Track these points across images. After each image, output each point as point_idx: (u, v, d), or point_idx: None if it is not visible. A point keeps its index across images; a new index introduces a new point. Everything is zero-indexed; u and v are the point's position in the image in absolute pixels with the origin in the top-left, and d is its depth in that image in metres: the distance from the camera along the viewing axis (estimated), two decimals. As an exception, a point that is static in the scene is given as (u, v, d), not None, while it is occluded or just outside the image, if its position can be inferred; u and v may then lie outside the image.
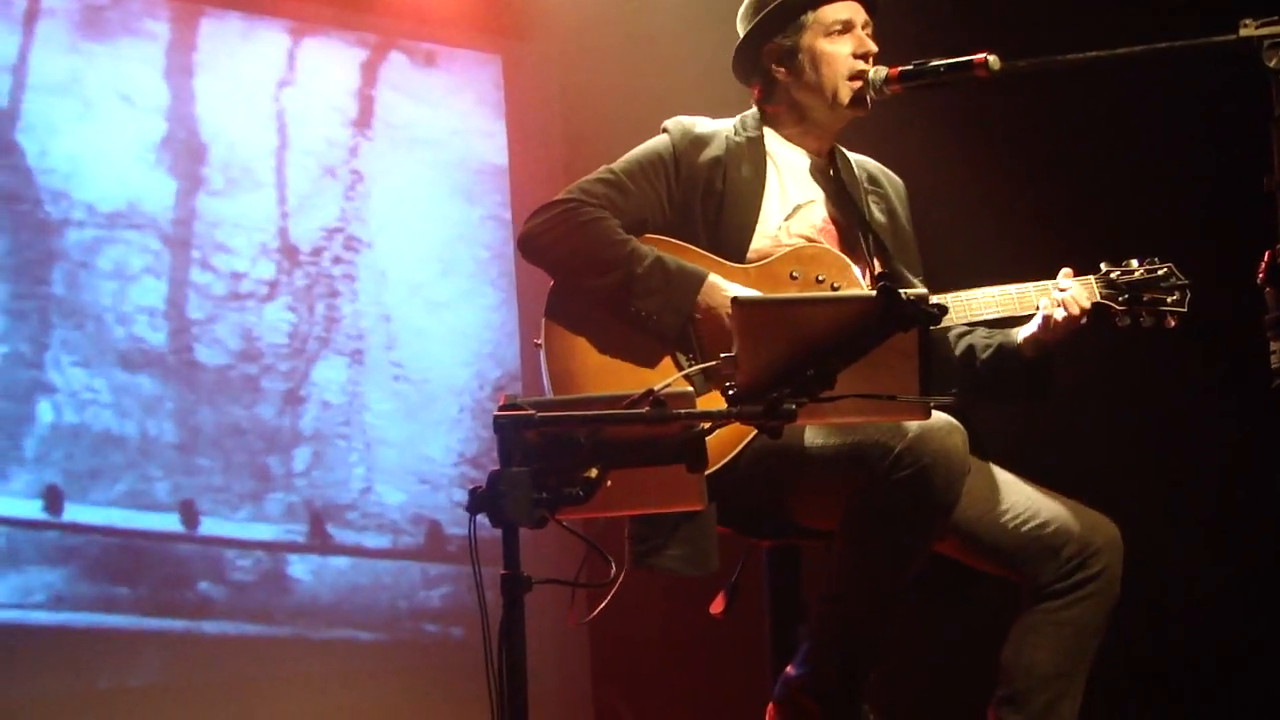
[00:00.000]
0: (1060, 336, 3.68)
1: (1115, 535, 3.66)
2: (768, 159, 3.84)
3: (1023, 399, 3.83)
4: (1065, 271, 3.72)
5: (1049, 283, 3.70)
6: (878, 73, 3.76)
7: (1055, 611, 3.61)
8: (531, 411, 2.73)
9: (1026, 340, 3.72)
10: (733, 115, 3.92)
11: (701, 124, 3.86)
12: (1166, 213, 5.32)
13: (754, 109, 3.93)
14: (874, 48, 3.81)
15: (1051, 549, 3.62)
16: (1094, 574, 3.61)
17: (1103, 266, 3.75)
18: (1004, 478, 3.72)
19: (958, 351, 3.82)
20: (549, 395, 3.60)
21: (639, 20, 6.09)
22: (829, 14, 3.81)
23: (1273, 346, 3.08)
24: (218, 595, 5.65)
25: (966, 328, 3.81)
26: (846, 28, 3.81)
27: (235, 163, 5.88)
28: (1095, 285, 3.72)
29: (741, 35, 3.90)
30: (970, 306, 3.69)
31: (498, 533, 2.70)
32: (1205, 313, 3.78)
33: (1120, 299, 3.72)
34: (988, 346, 3.78)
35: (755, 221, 3.77)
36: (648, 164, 3.78)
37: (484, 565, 2.76)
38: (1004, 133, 5.58)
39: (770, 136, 3.88)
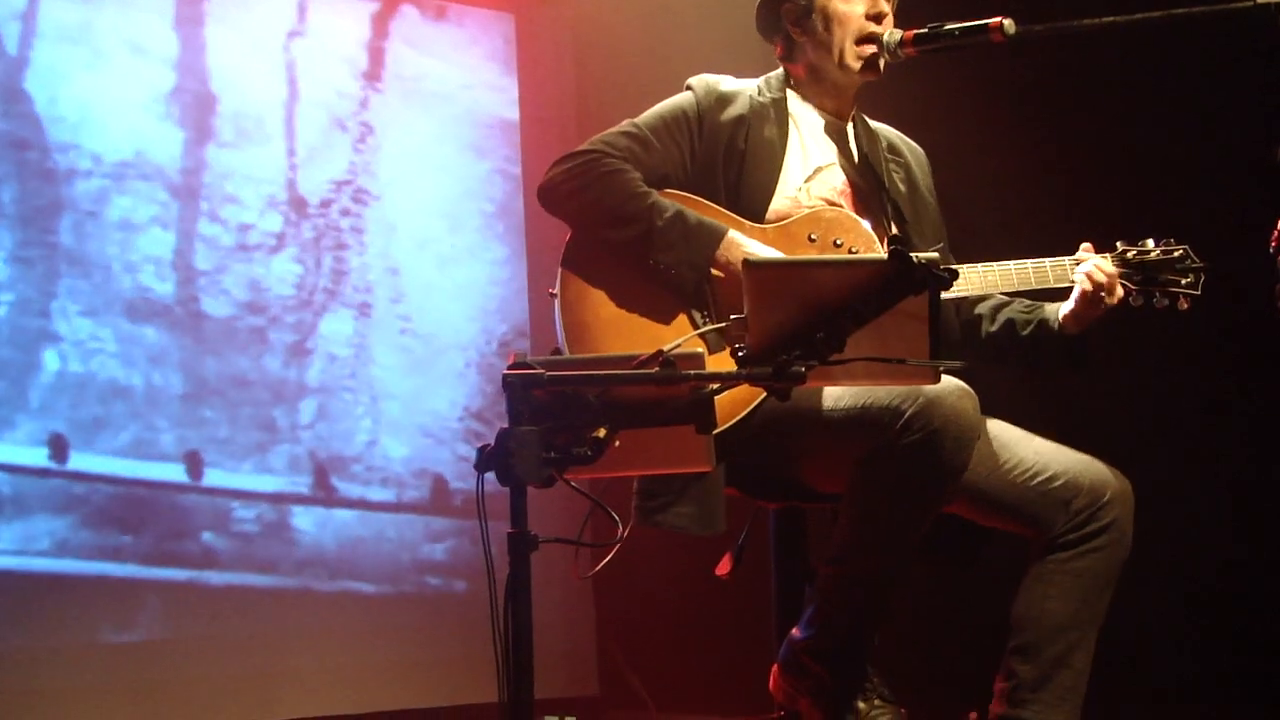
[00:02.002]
0: (1099, 311, 3.68)
1: (1126, 488, 3.67)
2: (790, 120, 3.84)
3: (1060, 371, 3.83)
4: (1085, 246, 3.71)
5: (1067, 259, 3.70)
6: (892, 35, 3.75)
7: (1066, 562, 3.62)
8: (540, 370, 2.73)
9: (1067, 316, 3.72)
10: (747, 75, 3.91)
11: (726, 82, 3.85)
12: (1181, 181, 5.30)
13: (778, 70, 3.93)
14: (887, 9, 3.80)
15: (1061, 502, 3.63)
16: (1104, 525, 3.61)
17: (1119, 245, 3.75)
18: (1012, 433, 3.73)
19: (996, 325, 3.83)
20: (562, 345, 3.61)
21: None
22: None
23: (1283, 314, 3.08)
24: (221, 546, 5.65)
25: (1004, 299, 3.82)
26: (861, -11, 3.80)
27: (244, 114, 5.87)
28: (1111, 264, 3.72)
29: None
30: (987, 279, 3.69)
31: (501, 488, 2.70)
32: (1218, 281, 3.77)
33: (1135, 279, 3.72)
34: (1028, 322, 3.79)
35: (776, 182, 3.77)
36: (671, 120, 3.78)
37: (488, 520, 2.76)
38: (1016, 100, 5.56)
39: (792, 98, 3.88)
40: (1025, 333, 3.79)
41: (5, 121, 5.38)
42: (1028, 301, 3.83)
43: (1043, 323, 3.77)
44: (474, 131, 6.39)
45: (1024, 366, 3.82)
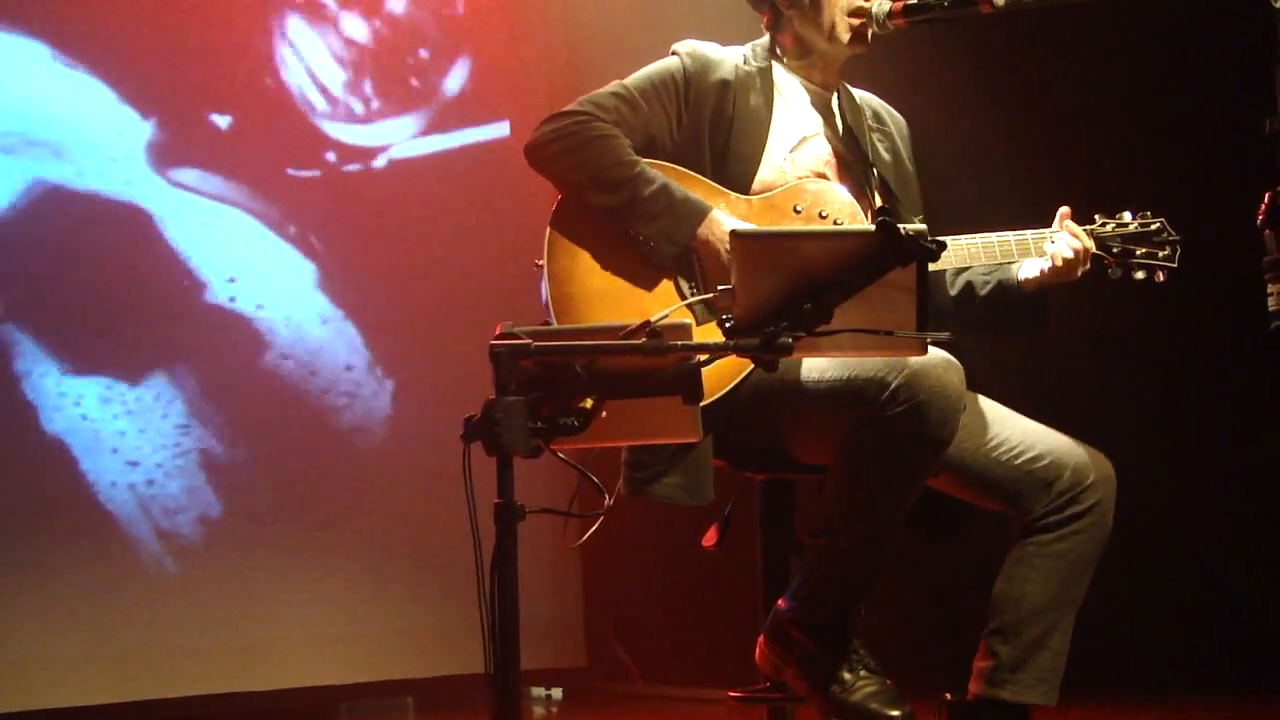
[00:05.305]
0: (1062, 280, 3.70)
1: (1109, 471, 3.67)
2: (775, 90, 3.84)
3: (1021, 331, 3.85)
4: (1064, 210, 3.72)
5: (1047, 231, 3.71)
6: (880, 6, 3.74)
7: (1047, 544, 3.62)
8: (527, 341, 2.73)
9: (1028, 280, 3.74)
10: (733, 43, 3.90)
11: (712, 49, 3.84)
12: (1167, 154, 5.32)
13: (763, 39, 3.92)
14: (876, -14, 3.79)
15: (1044, 483, 3.63)
16: (1087, 508, 3.62)
17: (1097, 218, 3.78)
18: (998, 412, 3.73)
19: (955, 289, 3.84)
20: (549, 317, 3.60)
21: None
22: None
23: (1270, 289, 3.09)
24: (201, 516, 5.65)
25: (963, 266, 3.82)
26: (851, -37, 3.79)
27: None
28: (1087, 238, 3.73)
29: None
30: (969, 252, 3.70)
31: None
32: (1204, 255, 3.78)
33: (1113, 251, 3.75)
34: (987, 283, 3.80)
35: (761, 152, 3.76)
36: (660, 83, 3.77)
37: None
38: (1004, 72, 5.56)
39: (777, 68, 3.87)
40: (984, 293, 3.80)
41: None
42: (985, 266, 3.83)
43: (1001, 283, 3.78)
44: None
45: (983, 329, 3.81)
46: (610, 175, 3.63)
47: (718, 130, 3.75)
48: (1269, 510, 5.41)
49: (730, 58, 3.84)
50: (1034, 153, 5.50)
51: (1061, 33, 5.33)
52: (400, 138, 6.17)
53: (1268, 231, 3.09)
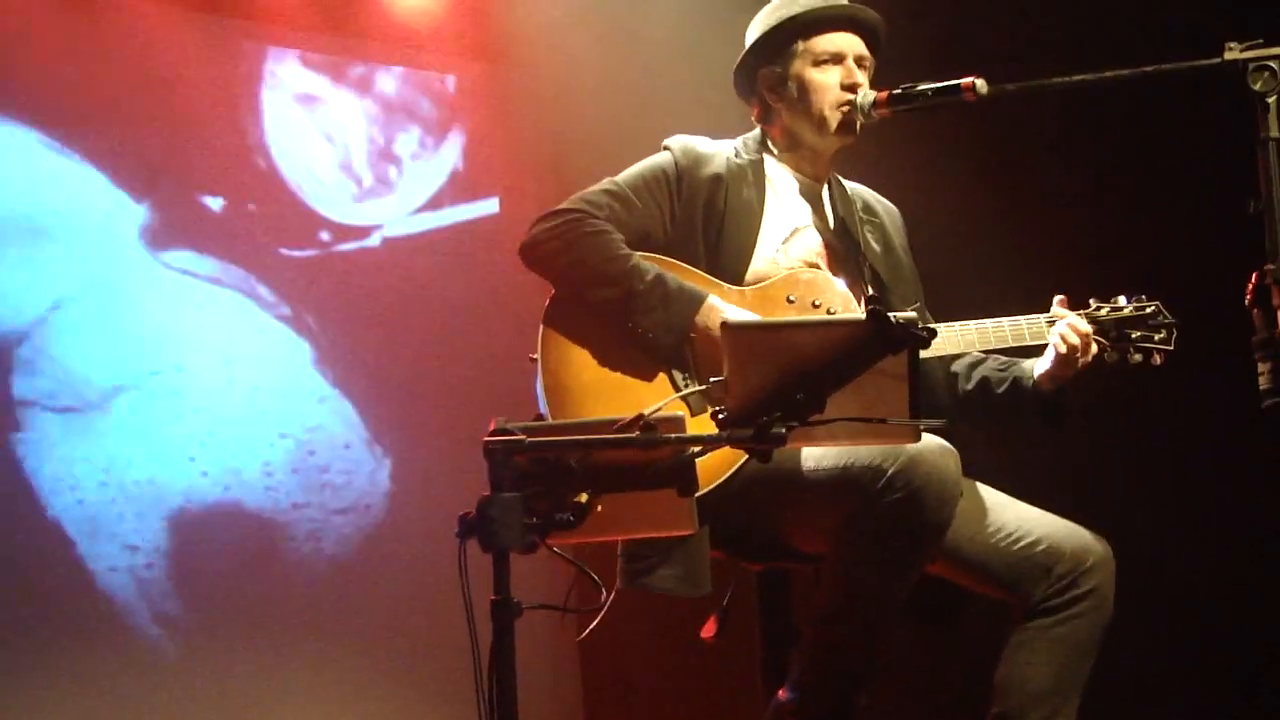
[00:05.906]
0: (1069, 370, 3.68)
1: (1107, 553, 3.67)
2: (766, 182, 3.86)
3: (1038, 429, 3.83)
4: (1059, 299, 3.73)
5: (1042, 317, 3.71)
6: (866, 96, 3.77)
7: (1048, 629, 3.61)
8: (522, 436, 2.73)
9: (1043, 376, 3.73)
10: (724, 134, 3.93)
11: (702, 143, 3.88)
12: (1154, 235, 5.34)
13: (754, 132, 3.96)
14: (861, 80, 3.82)
15: (1043, 568, 3.63)
16: (1086, 592, 3.62)
17: (1092, 303, 3.77)
18: (995, 498, 3.73)
19: (971, 384, 3.83)
20: (543, 410, 3.61)
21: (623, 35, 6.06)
22: (820, 44, 3.84)
23: (1260, 368, 3.10)
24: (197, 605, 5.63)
25: (979, 355, 3.83)
26: (836, 59, 3.83)
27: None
28: (1085, 322, 3.73)
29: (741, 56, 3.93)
30: (964, 339, 3.70)
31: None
32: (1194, 335, 3.79)
33: (1109, 336, 3.74)
34: (1003, 379, 3.79)
35: (754, 244, 3.79)
36: (652, 179, 3.80)
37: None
38: (992, 158, 5.59)
39: (769, 160, 3.91)
40: (1000, 391, 3.79)
41: None
42: (1002, 358, 3.83)
43: (1017, 380, 3.77)
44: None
45: (1000, 425, 3.82)
46: (606, 270, 3.65)
47: (710, 223, 3.77)
48: (1270, 587, 5.40)
49: (722, 151, 3.87)
50: (1025, 237, 5.53)
51: (1047, 117, 5.37)
52: (393, 216, 6.19)
53: (1255, 311, 3.11)
